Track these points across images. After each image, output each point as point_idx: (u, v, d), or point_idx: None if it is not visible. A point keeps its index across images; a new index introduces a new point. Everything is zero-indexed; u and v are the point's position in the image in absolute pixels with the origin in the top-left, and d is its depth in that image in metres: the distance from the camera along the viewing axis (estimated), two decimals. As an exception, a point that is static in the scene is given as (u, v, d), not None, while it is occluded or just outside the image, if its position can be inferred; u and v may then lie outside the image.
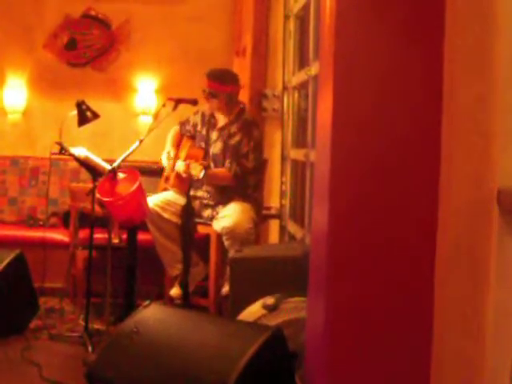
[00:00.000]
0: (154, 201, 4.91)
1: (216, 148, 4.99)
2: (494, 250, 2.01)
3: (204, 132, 5.08)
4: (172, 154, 4.97)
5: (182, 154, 4.99)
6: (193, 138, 5.13)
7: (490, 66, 2.09)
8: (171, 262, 4.97)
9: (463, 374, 2.21)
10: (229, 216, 4.74)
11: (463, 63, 2.27)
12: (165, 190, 5.06)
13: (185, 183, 4.77)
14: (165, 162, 4.96)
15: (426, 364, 2.40)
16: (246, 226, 4.72)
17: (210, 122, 5.08)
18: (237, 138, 4.93)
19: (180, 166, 4.79)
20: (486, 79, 2.12)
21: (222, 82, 4.93)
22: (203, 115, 5.13)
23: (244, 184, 4.93)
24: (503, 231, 1.96)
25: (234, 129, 4.96)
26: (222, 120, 5.04)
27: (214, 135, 5.03)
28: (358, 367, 2.46)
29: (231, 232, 4.66)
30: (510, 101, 1.95)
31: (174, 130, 5.23)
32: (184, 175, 4.68)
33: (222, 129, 5.01)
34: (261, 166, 5.06)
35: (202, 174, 4.52)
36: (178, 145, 5.08)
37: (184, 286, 4.63)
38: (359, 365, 2.46)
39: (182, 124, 5.22)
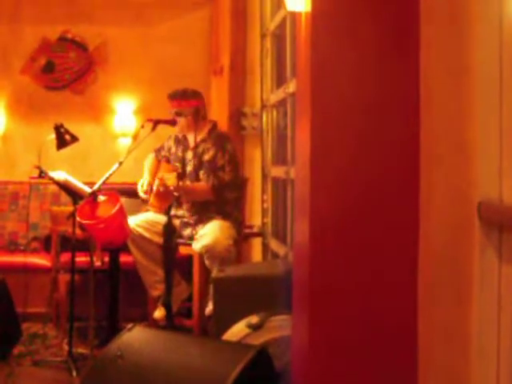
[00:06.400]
0: (135, 221, 4.89)
1: (191, 166, 4.99)
2: (476, 262, 2.02)
3: (179, 153, 5.08)
4: (146, 186, 4.91)
5: (160, 175, 4.96)
6: (169, 161, 5.12)
7: (467, 75, 2.11)
8: (153, 283, 4.94)
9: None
10: (208, 234, 4.71)
11: (440, 76, 2.28)
12: (147, 211, 5.04)
13: (165, 201, 4.75)
14: (141, 193, 4.93)
15: (412, 380, 2.40)
16: (225, 242, 4.67)
17: (183, 143, 5.09)
18: (211, 153, 4.94)
19: (155, 183, 4.77)
20: (464, 93, 2.13)
21: (183, 98, 4.95)
22: (176, 138, 5.15)
23: (222, 200, 4.91)
24: (484, 243, 1.97)
25: (207, 145, 4.96)
26: (192, 139, 5.03)
27: (189, 155, 5.03)
28: (344, 384, 2.45)
29: (211, 250, 4.62)
30: (489, 117, 1.96)
31: (150, 157, 5.22)
32: (161, 189, 4.65)
33: (195, 147, 5.01)
34: (238, 180, 5.04)
35: (176, 182, 4.52)
36: (155, 172, 5.04)
37: (167, 307, 4.61)
38: (344, 382, 2.45)
39: (157, 150, 5.23)
